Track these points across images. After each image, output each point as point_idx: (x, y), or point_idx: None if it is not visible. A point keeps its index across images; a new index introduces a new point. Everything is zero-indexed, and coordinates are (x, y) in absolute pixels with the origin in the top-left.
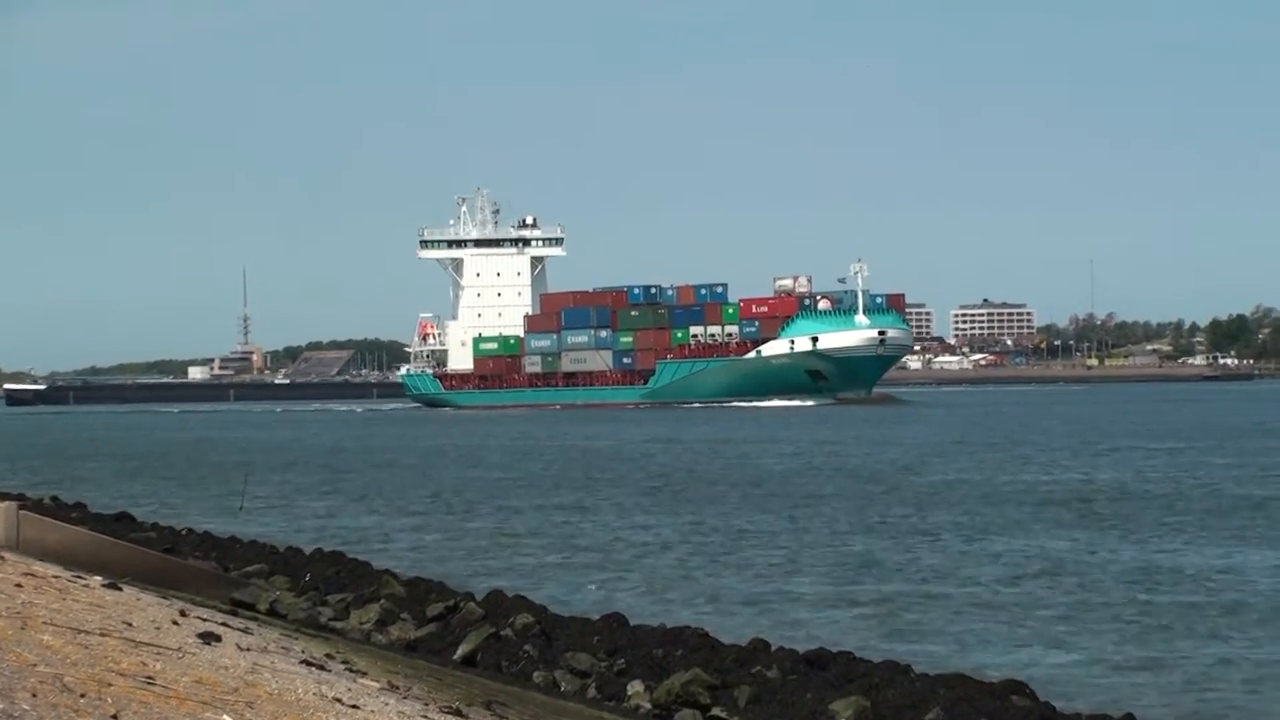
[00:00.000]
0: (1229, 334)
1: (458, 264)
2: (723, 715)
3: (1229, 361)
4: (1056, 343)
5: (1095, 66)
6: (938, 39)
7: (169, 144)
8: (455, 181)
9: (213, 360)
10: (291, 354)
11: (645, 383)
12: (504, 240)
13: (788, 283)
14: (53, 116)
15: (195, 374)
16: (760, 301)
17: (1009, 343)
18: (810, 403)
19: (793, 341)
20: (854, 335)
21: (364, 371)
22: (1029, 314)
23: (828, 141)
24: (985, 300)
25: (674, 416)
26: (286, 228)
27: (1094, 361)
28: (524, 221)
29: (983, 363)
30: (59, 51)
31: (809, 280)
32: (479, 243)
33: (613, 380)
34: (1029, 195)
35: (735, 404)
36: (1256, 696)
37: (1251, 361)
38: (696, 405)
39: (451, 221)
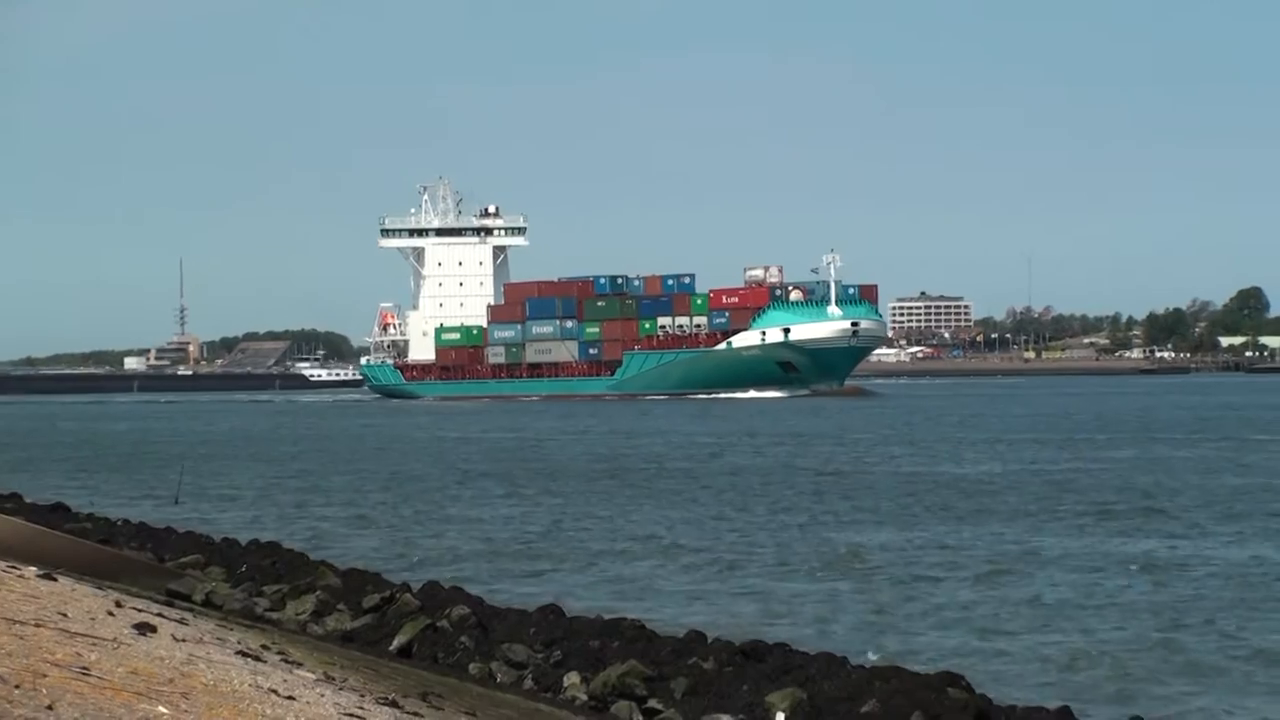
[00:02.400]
0: (1165, 328)
1: (419, 253)
2: (659, 707)
3: (1165, 355)
4: (994, 336)
5: (1036, 65)
6: (887, 38)
7: (109, 132)
8: (416, 171)
9: (149, 351)
10: (228, 345)
11: (612, 374)
12: (466, 229)
13: (758, 273)
14: None
15: (132, 364)
16: (731, 292)
17: (946, 336)
18: (782, 394)
19: (764, 333)
20: (827, 326)
21: (303, 361)
22: (967, 307)
23: (781, 136)
24: (923, 293)
25: (638, 409)
26: (227, 218)
27: (1031, 355)
28: (486, 210)
29: (920, 355)
30: None
31: (780, 270)
32: (440, 232)
33: (579, 371)
34: (967, 189)
35: (704, 395)
36: (1183, 686)
37: (1188, 355)
38: (664, 397)
39: (413, 210)
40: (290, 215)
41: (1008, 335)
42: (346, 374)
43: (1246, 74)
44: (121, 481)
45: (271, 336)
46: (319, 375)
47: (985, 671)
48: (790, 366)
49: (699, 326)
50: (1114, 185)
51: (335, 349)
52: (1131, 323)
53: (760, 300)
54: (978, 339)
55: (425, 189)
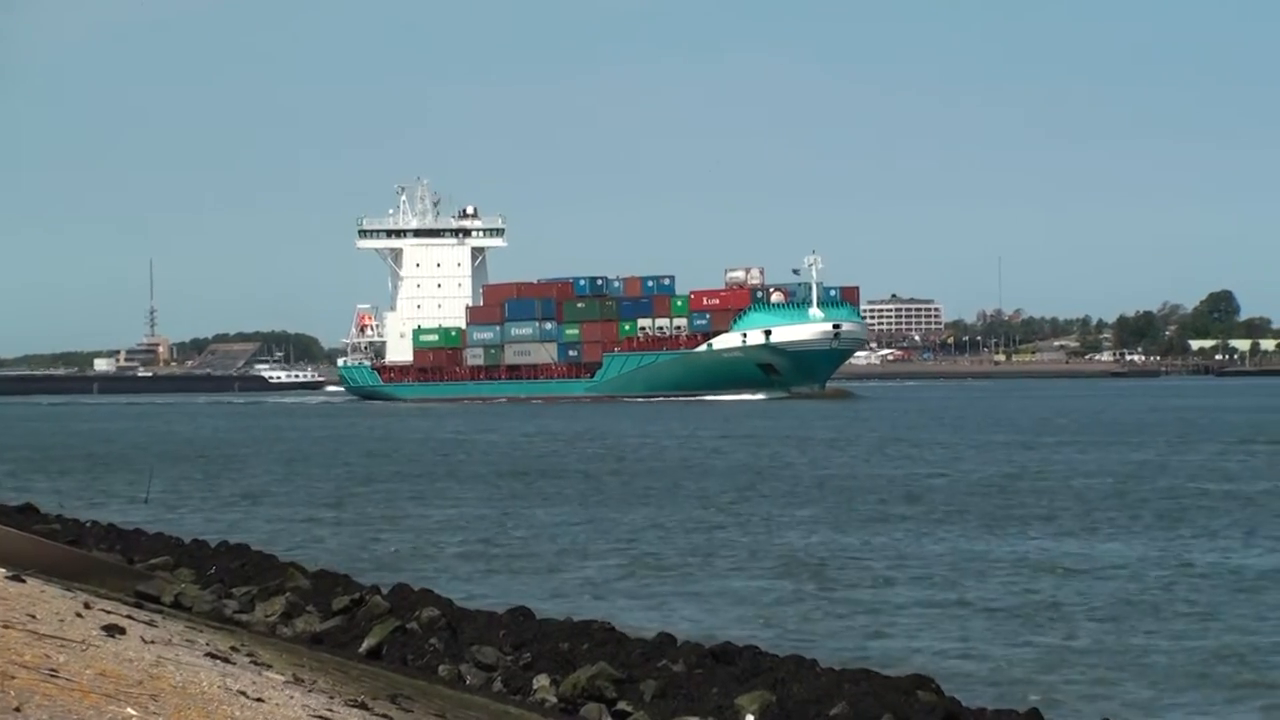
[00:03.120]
0: (1136, 331)
1: (397, 254)
2: (628, 709)
3: (1136, 358)
4: (965, 339)
5: (1005, 65)
6: (855, 39)
7: (83, 133)
8: (394, 172)
9: (119, 352)
10: (198, 346)
11: (592, 376)
12: (444, 230)
13: (739, 275)
14: None
15: (101, 365)
16: (711, 294)
17: (917, 338)
18: (762, 396)
19: (745, 334)
20: (808, 328)
21: (303, 363)
22: (937, 310)
23: (756, 136)
24: (894, 296)
25: (618, 410)
26: (202, 218)
27: (1001, 357)
28: (464, 212)
29: (890, 358)
30: None
31: (761, 272)
32: (418, 233)
33: (558, 373)
34: (938, 192)
35: (685, 398)
36: (1153, 689)
37: (1158, 358)
38: (643, 400)
39: (391, 211)
40: (266, 216)
41: (978, 338)
42: (306, 376)
43: (1219, 75)
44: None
45: (241, 338)
46: (279, 377)
47: (953, 674)
48: (771, 369)
49: (679, 328)
50: (1085, 187)
51: (305, 350)
52: (1101, 326)
53: (741, 302)
54: (948, 341)
55: (403, 190)
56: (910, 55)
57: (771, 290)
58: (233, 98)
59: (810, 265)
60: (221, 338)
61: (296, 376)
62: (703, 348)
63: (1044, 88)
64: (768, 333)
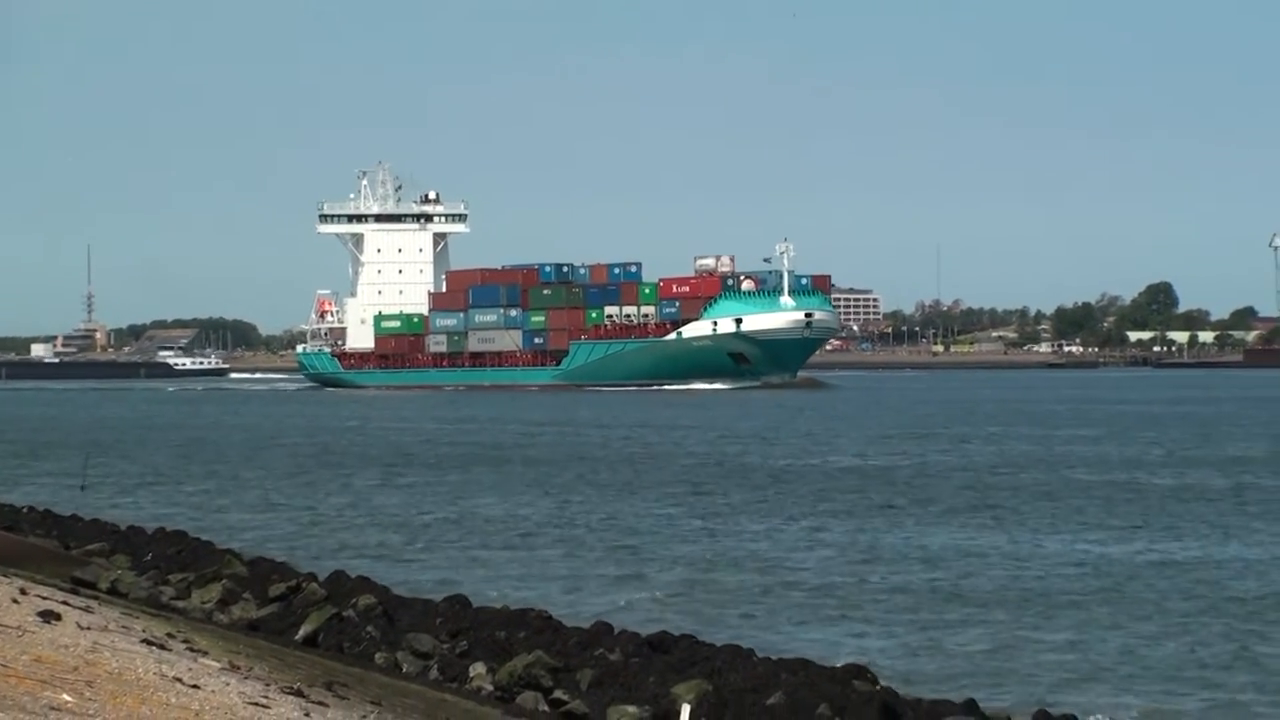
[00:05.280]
0: (1074, 322)
1: (358, 239)
2: (564, 698)
3: (1074, 349)
4: (903, 329)
5: (943, 58)
6: (802, 34)
7: (24, 116)
8: (356, 157)
9: (56, 338)
10: (135, 332)
11: (558, 364)
12: (406, 216)
13: (709, 262)
14: None
15: (38, 351)
16: (681, 281)
17: (855, 329)
18: (731, 386)
19: (715, 323)
20: (780, 317)
21: (207, 350)
22: (875, 300)
23: (715, 128)
24: (832, 286)
25: (582, 399)
26: (152, 205)
27: (940, 348)
28: (426, 197)
29: (829, 348)
30: None
31: (731, 260)
32: (380, 218)
33: (523, 361)
34: (876, 181)
35: (654, 387)
36: (1080, 677)
37: (1096, 350)
38: (610, 388)
39: (352, 196)
40: (222, 201)
41: (916, 329)
42: (210, 363)
43: (1161, 67)
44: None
45: (179, 324)
46: (184, 364)
47: (889, 664)
48: (742, 358)
49: (647, 316)
50: (1024, 178)
51: (243, 337)
52: (1040, 317)
53: (712, 290)
54: (886, 332)
55: (364, 174)
56: (854, 49)
57: (742, 278)
58: (188, 80)
59: (781, 253)
60: (160, 324)
61: (200, 364)
62: (672, 336)
63: (983, 79)
64: (739, 321)
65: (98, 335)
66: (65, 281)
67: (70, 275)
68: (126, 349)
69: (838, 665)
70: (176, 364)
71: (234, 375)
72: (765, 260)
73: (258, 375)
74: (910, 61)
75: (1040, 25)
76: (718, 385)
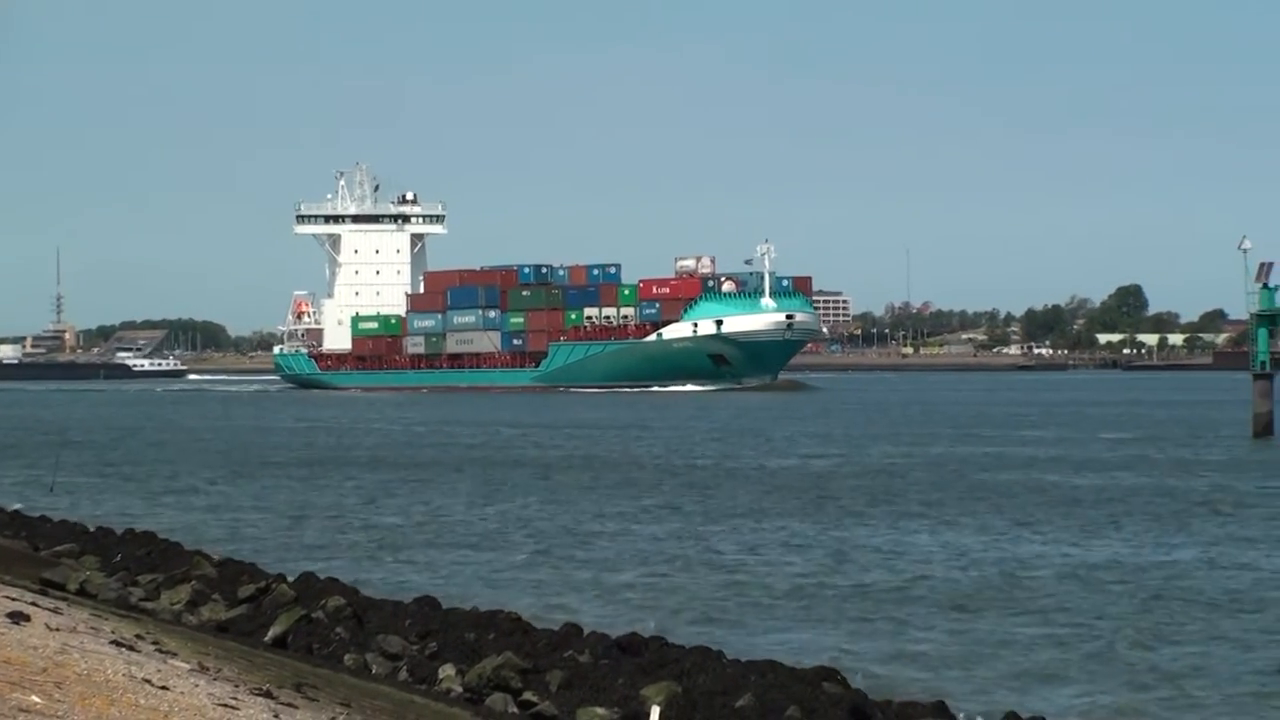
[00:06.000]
0: (1044, 324)
1: (335, 240)
2: (534, 699)
3: (1044, 351)
4: (873, 331)
5: (912, 59)
6: (769, 31)
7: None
8: (333, 158)
9: (25, 339)
10: (105, 333)
11: (537, 365)
12: (383, 216)
13: (690, 263)
14: None
15: (6, 351)
16: (661, 282)
17: (825, 331)
18: (711, 388)
19: (696, 324)
20: (761, 319)
21: (176, 351)
22: (845, 302)
23: (684, 126)
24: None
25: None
26: (107, 206)
27: (909, 350)
28: (404, 197)
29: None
30: None
31: (712, 261)
32: (357, 218)
33: (502, 362)
34: (846, 183)
35: (633, 389)
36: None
37: (1066, 352)
38: (591, 390)
39: (329, 196)
40: (198, 202)
41: (886, 330)
42: (169, 364)
43: (1127, 66)
44: None
45: (148, 325)
46: (142, 365)
47: (859, 666)
48: (722, 359)
49: (626, 317)
50: (994, 180)
51: (212, 338)
52: (1010, 319)
53: (692, 291)
54: (856, 334)
55: (342, 174)
56: (819, 40)
57: (723, 279)
58: (163, 80)
59: (762, 254)
60: (129, 325)
61: (159, 365)
62: (652, 337)
63: (953, 81)
64: (719, 322)
65: (67, 336)
66: (36, 282)
67: (41, 276)
68: (96, 350)
69: (808, 667)
70: (135, 365)
71: (191, 376)
72: (746, 262)
73: (220, 377)
74: (881, 63)
75: (1009, 27)
76: (698, 387)
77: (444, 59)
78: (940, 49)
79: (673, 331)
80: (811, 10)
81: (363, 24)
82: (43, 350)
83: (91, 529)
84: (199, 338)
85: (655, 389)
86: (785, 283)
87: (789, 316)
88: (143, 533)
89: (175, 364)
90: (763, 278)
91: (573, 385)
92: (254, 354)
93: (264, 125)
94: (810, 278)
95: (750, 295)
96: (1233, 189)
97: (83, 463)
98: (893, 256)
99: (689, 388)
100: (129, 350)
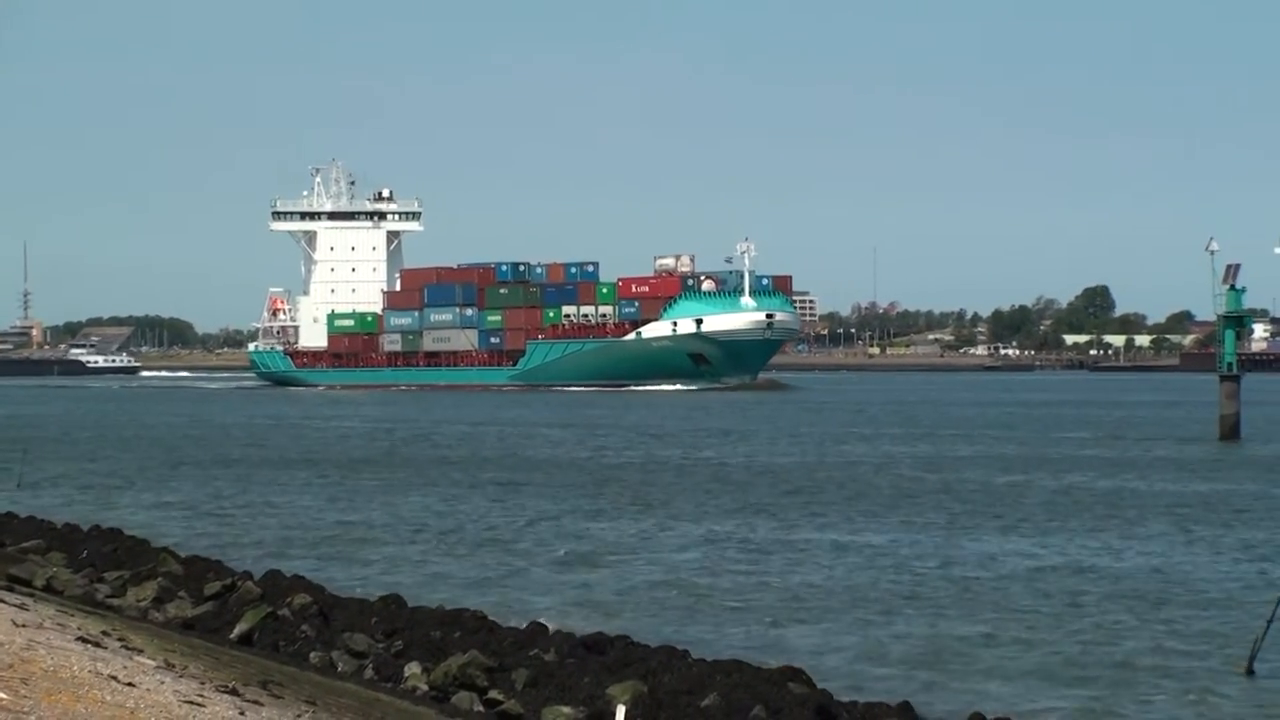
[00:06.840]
0: (1011, 325)
1: (310, 237)
2: (500, 698)
3: (1010, 352)
4: (839, 331)
5: (878, 59)
6: (730, 33)
7: None
8: (309, 154)
9: None
10: (72, 329)
11: (514, 364)
12: (359, 213)
13: (669, 262)
14: None
15: None
16: (641, 281)
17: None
18: (691, 387)
19: (675, 323)
20: (740, 318)
21: (144, 348)
22: (811, 302)
23: (673, 126)
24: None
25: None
26: (78, 203)
27: (876, 350)
28: (380, 194)
29: None
30: None
31: (692, 259)
32: (333, 215)
33: (479, 361)
34: (813, 182)
35: (611, 388)
36: (1013, 681)
37: (1033, 352)
38: (570, 388)
39: (305, 193)
40: (172, 198)
41: (852, 330)
42: (122, 361)
43: (1096, 68)
44: None
45: (115, 322)
46: (96, 362)
47: (822, 666)
48: (701, 358)
49: (604, 316)
50: (961, 180)
51: (179, 335)
52: (977, 319)
53: (671, 290)
54: (822, 334)
55: (318, 171)
56: (786, 40)
57: (702, 278)
58: (137, 77)
59: (743, 253)
60: (95, 321)
61: (113, 361)
62: (631, 336)
63: (922, 81)
64: (699, 321)
65: (34, 332)
66: (3, 279)
67: (8, 273)
68: (62, 346)
69: (773, 667)
70: (89, 362)
71: (144, 374)
72: (726, 260)
73: (183, 374)
74: (851, 64)
75: (977, 28)
76: (678, 386)
77: (421, 57)
78: (911, 50)
79: (652, 330)
80: (782, 11)
81: (339, 22)
82: (10, 346)
83: (58, 525)
84: (166, 334)
85: (634, 388)
86: (765, 282)
87: (769, 316)
88: (109, 529)
89: (128, 360)
90: (743, 276)
91: (551, 384)
92: (221, 351)
93: (240, 122)
94: (790, 277)
95: (730, 294)
96: (1200, 191)
97: (54, 457)
98: (859, 256)
99: (667, 387)
100: (82, 347)
